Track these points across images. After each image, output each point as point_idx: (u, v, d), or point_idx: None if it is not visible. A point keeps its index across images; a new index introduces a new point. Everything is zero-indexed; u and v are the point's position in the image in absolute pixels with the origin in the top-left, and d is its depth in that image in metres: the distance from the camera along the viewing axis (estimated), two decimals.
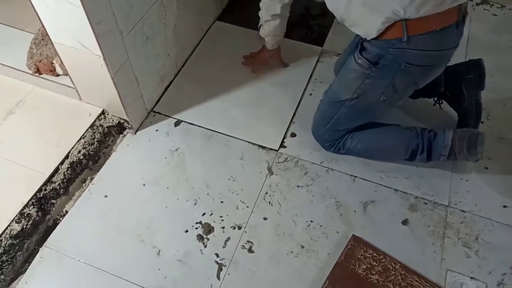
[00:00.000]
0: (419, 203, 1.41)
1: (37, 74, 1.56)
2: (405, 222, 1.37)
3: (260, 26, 1.58)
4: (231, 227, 1.37)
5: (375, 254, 1.29)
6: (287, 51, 1.80)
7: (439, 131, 1.38)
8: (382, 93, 1.29)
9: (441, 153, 1.37)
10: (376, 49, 1.22)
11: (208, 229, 1.36)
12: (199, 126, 1.62)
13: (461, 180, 1.47)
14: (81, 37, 1.25)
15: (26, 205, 1.31)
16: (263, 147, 1.55)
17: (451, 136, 1.35)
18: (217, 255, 1.31)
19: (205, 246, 1.33)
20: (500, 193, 1.43)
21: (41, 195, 1.35)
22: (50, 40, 1.33)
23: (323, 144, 1.50)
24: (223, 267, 1.29)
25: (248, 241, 1.34)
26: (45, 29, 1.30)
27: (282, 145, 1.56)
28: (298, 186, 1.46)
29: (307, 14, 2.05)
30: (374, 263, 1.27)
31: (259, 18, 1.55)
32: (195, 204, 1.42)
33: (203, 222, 1.37)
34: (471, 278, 1.26)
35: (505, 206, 1.40)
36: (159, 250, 1.32)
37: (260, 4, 1.50)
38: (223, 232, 1.36)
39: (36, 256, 1.30)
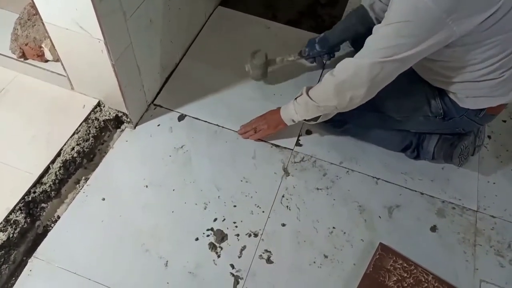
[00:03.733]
0: (446, 207, 1.32)
1: (22, 59, 1.37)
2: (433, 229, 1.27)
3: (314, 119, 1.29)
4: (246, 235, 1.23)
5: (405, 265, 1.19)
6: (298, 42, 1.67)
7: (428, 136, 1.37)
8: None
9: (425, 156, 1.39)
10: (454, 110, 1.23)
11: (221, 236, 1.22)
12: (205, 121, 1.47)
13: (488, 183, 1.38)
14: (79, 18, 1.07)
15: (12, 211, 1.14)
16: (277, 146, 1.42)
17: (434, 144, 1.36)
18: (232, 266, 1.18)
19: (219, 256, 1.19)
20: None
21: (30, 198, 1.18)
22: (41, 20, 1.15)
23: None
24: (239, 280, 1.16)
25: (266, 250, 1.21)
26: (36, 7, 1.12)
27: (297, 143, 1.43)
28: (317, 189, 1.34)
29: (316, 2, 1.92)
30: (405, 275, 1.17)
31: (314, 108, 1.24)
32: (205, 209, 1.27)
33: (215, 229, 1.24)
34: None
35: None
36: (167, 261, 1.18)
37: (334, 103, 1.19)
38: (238, 240, 1.22)
39: (25, 269, 1.14)
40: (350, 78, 1.11)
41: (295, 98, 1.28)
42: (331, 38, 1.42)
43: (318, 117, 1.27)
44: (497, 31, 0.99)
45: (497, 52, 1.05)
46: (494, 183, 1.38)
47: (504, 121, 1.55)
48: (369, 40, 1.07)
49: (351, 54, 1.15)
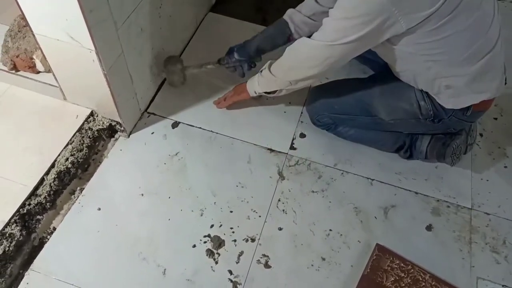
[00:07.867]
0: (441, 206, 1.33)
1: (13, 71, 1.36)
2: (429, 228, 1.28)
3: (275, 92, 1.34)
4: (243, 240, 1.24)
5: (402, 264, 1.19)
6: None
7: (421, 136, 1.38)
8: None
9: (418, 156, 1.40)
10: (442, 111, 1.23)
11: (218, 242, 1.22)
12: (199, 128, 1.47)
13: (482, 180, 1.39)
14: (70, 28, 1.07)
15: (7, 224, 1.13)
16: (271, 150, 1.43)
17: (426, 144, 1.37)
18: (230, 272, 1.18)
19: (216, 262, 1.19)
20: None
21: (25, 210, 1.17)
22: (31, 31, 1.15)
23: (315, 122, 1.43)
24: (238, 285, 1.16)
25: (264, 255, 1.21)
26: (25, 18, 1.12)
27: (291, 147, 1.43)
28: (313, 192, 1.34)
29: None
30: (403, 275, 1.17)
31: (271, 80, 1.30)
32: (201, 215, 1.27)
33: (212, 235, 1.24)
34: (503, 286, 1.19)
35: None
36: (165, 269, 1.17)
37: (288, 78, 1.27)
38: (235, 245, 1.22)
39: (21, 282, 1.13)
40: (303, 59, 1.18)
41: (261, 71, 1.34)
42: (249, 47, 1.42)
43: (276, 91, 1.32)
44: (455, 20, 1.01)
45: (464, 44, 1.07)
46: (487, 180, 1.40)
47: (495, 119, 1.56)
48: (324, 21, 1.11)
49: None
